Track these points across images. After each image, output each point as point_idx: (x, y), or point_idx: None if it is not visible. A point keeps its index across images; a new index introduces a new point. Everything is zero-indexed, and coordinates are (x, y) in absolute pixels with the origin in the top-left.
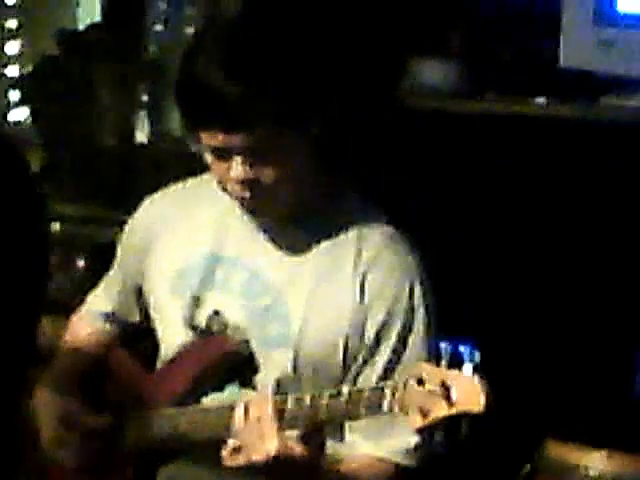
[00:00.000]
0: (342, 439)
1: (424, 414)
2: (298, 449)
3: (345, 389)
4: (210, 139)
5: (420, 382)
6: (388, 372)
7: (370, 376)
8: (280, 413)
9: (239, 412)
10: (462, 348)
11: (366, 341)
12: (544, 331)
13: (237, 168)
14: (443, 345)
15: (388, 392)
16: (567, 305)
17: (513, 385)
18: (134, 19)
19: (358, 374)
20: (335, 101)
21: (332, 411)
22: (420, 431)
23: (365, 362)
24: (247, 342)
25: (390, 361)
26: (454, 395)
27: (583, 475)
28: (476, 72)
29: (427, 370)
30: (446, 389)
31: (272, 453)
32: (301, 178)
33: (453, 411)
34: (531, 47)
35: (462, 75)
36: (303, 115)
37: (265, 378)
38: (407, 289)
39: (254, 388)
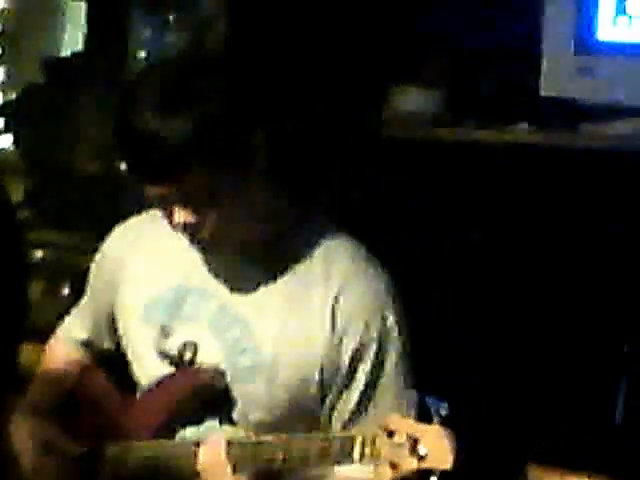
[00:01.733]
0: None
1: (393, 467)
2: None
3: (315, 437)
4: (150, 191)
5: (389, 434)
6: (364, 400)
7: (346, 406)
8: (237, 457)
9: (198, 452)
10: (430, 400)
11: (341, 370)
12: (526, 356)
13: (179, 215)
14: (412, 395)
15: (358, 443)
16: (549, 331)
17: (494, 408)
18: (117, 46)
19: (334, 405)
20: (285, 133)
21: (301, 458)
22: None
23: (341, 392)
24: (221, 374)
25: (366, 388)
26: (422, 450)
27: None
28: (456, 100)
29: (396, 422)
30: (414, 442)
31: None
32: (252, 213)
33: (422, 466)
34: (511, 75)
35: (442, 103)
36: (245, 153)
37: (242, 411)
38: (379, 314)
39: (233, 423)
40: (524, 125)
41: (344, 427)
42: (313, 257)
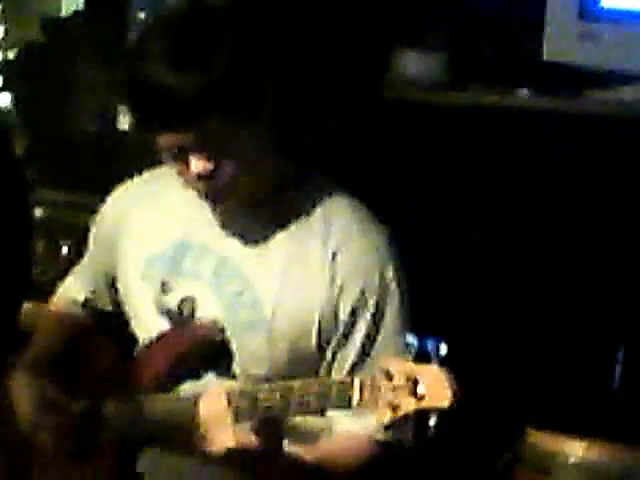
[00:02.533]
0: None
1: (393, 409)
2: (254, 441)
3: (314, 382)
4: (165, 141)
5: (388, 376)
6: (364, 352)
7: (345, 360)
8: (238, 407)
9: (198, 404)
10: (429, 342)
11: (340, 322)
12: (525, 321)
13: (197, 164)
14: (410, 339)
15: (356, 386)
16: (547, 296)
17: (493, 374)
18: (117, 6)
19: (334, 356)
20: (290, 86)
21: (300, 404)
22: (390, 426)
23: (340, 345)
24: (221, 329)
25: (366, 340)
26: (422, 390)
27: (563, 463)
28: (459, 64)
29: (395, 364)
30: (414, 384)
31: (226, 446)
32: (261, 165)
33: (421, 406)
34: (514, 40)
35: (445, 67)
36: (255, 103)
37: (241, 365)
38: (378, 269)
39: (233, 377)
40: (526, 90)
41: None
42: (313, 214)
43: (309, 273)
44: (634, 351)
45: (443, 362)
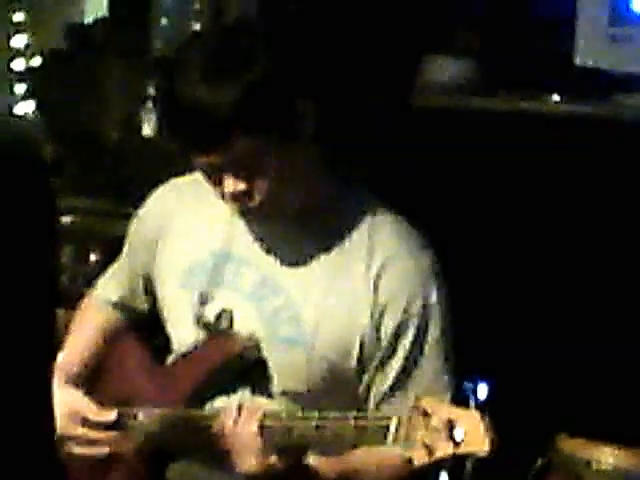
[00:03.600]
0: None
1: (429, 451)
2: (280, 466)
3: (350, 417)
4: (198, 158)
5: (425, 416)
6: (403, 377)
7: (384, 382)
8: (269, 430)
9: (228, 421)
10: (467, 384)
11: (381, 345)
12: (558, 331)
13: (229, 184)
14: (448, 379)
15: (393, 424)
16: (581, 305)
17: (526, 380)
18: (140, 13)
19: (372, 380)
20: (325, 102)
21: (334, 439)
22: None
23: (379, 367)
24: (256, 346)
25: (405, 364)
26: (459, 435)
27: (595, 469)
28: (489, 69)
29: (433, 405)
30: (450, 427)
31: (252, 469)
32: (299, 182)
33: (458, 451)
34: (545, 44)
35: (475, 72)
36: (289, 121)
37: (278, 382)
38: (422, 291)
39: (269, 395)
40: (557, 95)
41: (381, 403)
42: (357, 230)
43: (352, 290)
44: None
45: (481, 407)
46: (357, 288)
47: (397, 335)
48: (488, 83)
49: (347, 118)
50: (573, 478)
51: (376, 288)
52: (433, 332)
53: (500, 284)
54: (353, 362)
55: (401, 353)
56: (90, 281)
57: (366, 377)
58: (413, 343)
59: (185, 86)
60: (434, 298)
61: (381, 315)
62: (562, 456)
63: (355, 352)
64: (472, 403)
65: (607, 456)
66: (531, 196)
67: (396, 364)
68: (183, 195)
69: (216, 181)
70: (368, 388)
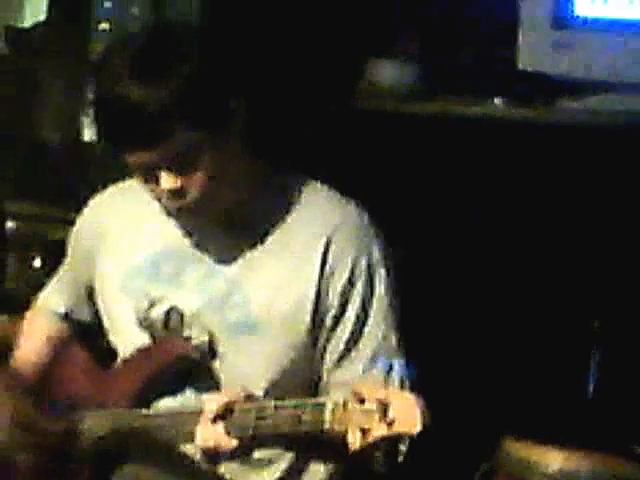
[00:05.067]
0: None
1: (363, 432)
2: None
3: (288, 404)
4: (133, 159)
5: (360, 400)
6: (354, 337)
7: (337, 346)
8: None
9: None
10: (398, 365)
11: (332, 305)
12: (499, 331)
13: (165, 181)
14: (380, 362)
15: (329, 409)
16: (522, 306)
17: (470, 383)
18: (80, 17)
19: (326, 344)
20: (260, 100)
21: (273, 426)
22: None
23: (333, 326)
24: (200, 347)
25: (355, 324)
26: (391, 414)
27: (542, 473)
28: (431, 73)
29: (367, 388)
30: (384, 408)
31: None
32: (235, 176)
33: (391, 431)
34: (487, 49)
35: (417, 76)
36: (222, 117)
37: (230, 368)
38: (366, 249)
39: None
40: (499, 99)
41: (337, 367)
42: (296, 209)
43: (298, 267)
44: (610, 359)
45: (416, 385)
46: (303, 263)
47: (345, 296)
48: (430, 87)
49: (285, 119)
50: None
51: (324, 256)
52: (380, 289)
53: (446, 291)
54: (306, 337)
55: (351, 315)
56: (34, 286)
57: (319, 345)
58: (362, 303)
59: (114, 85)
60: (377, 255)
61: (329, 280)
62: (507, 459)
63: (307, 325)
64: (406, 384)
65: (553, 459)
66: (471, 200)
67: (347, 326)
68: (117, 202)
69: (151, 180)
70: (321, 356)
